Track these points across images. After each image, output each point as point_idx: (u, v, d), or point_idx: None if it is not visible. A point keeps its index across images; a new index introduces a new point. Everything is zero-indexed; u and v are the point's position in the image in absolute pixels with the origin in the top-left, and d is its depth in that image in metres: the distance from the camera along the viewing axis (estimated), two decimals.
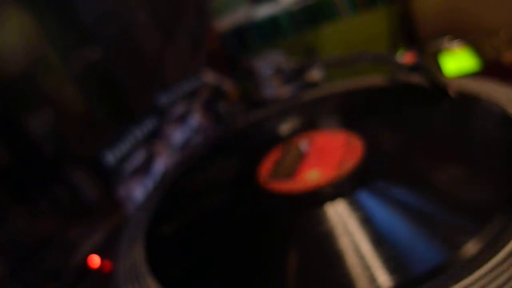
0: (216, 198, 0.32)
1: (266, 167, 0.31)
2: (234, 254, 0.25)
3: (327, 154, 0.30)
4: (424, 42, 0.47)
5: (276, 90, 0.47)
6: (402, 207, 0.23)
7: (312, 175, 0.28)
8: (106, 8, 0.45)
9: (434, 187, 0.24)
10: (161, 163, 0.44)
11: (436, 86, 0.33)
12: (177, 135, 0.47)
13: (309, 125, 0.37)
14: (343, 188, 0.26)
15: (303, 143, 0.32)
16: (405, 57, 0.36)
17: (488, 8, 0.47)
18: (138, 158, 0.42)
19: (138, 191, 0.41)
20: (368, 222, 0.23)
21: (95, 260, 0.32)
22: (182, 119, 0.48)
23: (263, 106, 0.46)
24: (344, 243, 0.22)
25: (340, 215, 0.24)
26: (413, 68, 0.36)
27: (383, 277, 0.20)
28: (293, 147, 0.33)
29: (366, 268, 0.20)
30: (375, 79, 0.40)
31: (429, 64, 0.40)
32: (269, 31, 0.54)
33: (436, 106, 0.33)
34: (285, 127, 0.40)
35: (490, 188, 0.23)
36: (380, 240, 0.21)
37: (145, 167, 0.43)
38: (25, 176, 0.36)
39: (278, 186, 0.29)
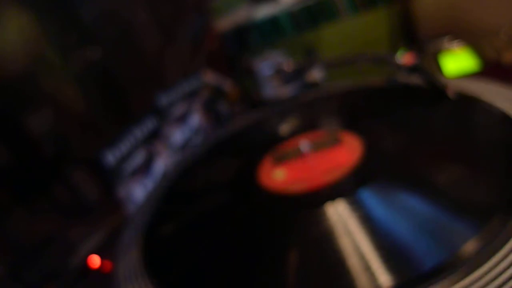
0: (216, 198, 0.32)
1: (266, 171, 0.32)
2: (233, 254, 0.25)
3: (325, 158, 0.30)
4: (424, 42, 0.47)
5: (276, 90, 0.47)
6: (402, 207, 0.23)
7: (278, 174, 0.30)
8: (106, 8, 0.45)
9: (433, 187, 0.24)
10: (161, 163, 0.44)
11: (435, 87, 0.33)
12: (177, 135, 0.47)
13: (309, 125, 0.37)
14: (343, 188, 0.26)
15: (304, 144, 0.32)
16: (405, 58, 0.36)
17: (488, 8, 0.47)
18: (138, 158, 0.42)
19: (138, 191, 0.41)
20: (368, 222, 0.23)
21: (95, 260, 0.32)
22: (182, 119, 0.48)
23: (263, 106, 0.46)
24: (344, 243, 0.22)
25: (340, 215, 0.24)
26: (413, 69, 0.36)
27: (383, 277, 0.20)
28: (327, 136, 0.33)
29: (367, 268, 0.20)
30: (375, 79, 0.40)
31: (428, 65, 0.40)
32: (269, 31, 0.54)
33: (436, 106, 0.33)
34: (285, 127, 0.40)
35: (490, 188, 0.23)
36: (380, 240, 0.21)
37: (145, 167, 0.43)
38: (25, 176, 0.36)
39: (277, 186, 0.29)
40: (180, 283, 0.25)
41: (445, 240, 0.20)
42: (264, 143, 0.35)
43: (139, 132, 0.43)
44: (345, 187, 0.26)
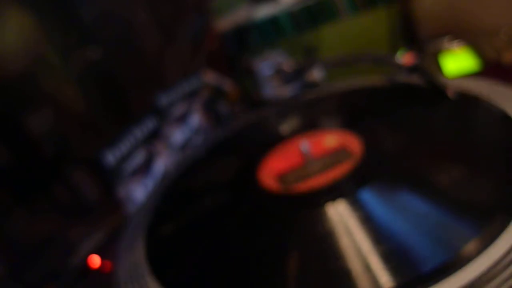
0: (216, 198, 0.32)
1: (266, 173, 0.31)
2: (234, 254, 0.25)
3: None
4: (424, 42, 0.47)
5: (276, 90, 0.47)
6: (402, 207, 0.23)
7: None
8: (106, 8, 0.45)
9: (434, 187, 0.24)
10: (161, 163, 0.44)
11: (435, 88, 0.33)
12: (177, 135, 0.47)
13: (309, 125, 0.37)
14: (343, 188, 0.26)
15: (304, 144, 0.32)
16: (405, 58, 0.36)
17: (488, 8, 0.47)
18: (138, 158, 0.42)
19: (138, 191, 0.41)
20: (368, 222, 0.23)
21: (95, 260, 0.32)
22: (182, 119, 0.48)
23: (263, 106, 0.46)
24: (345, 243, 0.22)
25: (340, 215, 0.24)
26: (413, 69, 0.36)
27: (384, 277, 0.20)
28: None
29: (367, 268, 0.20)
30: (375, 79, 0.40)
31: (428, 65, 0.40)
32: (269, 31, 0.54)
33: (436, 106, 0.33)
34: (285, 127, 0.40)
35: (490, 188, 0.23)
36: (381, 240, 0.21)
37: (145, 167, 0.43)
38: (25, 176, 0.36)
39: (278, 186, 0.29)
40: (180, 283, 0.25)
41: (446, 241, 0.20)
42: (264, 143, 0.35)
43: (139, 132, 0.43)
44: (345, 187, 0.26)
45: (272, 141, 0.35)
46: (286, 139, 0.35)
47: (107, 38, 0.45)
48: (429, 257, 0.20)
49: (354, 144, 0.30)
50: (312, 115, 0.40)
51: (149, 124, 0.44)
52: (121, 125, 0.42)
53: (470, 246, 0.19)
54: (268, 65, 0.48)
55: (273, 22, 0.54)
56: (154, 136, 0.44)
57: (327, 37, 0.54)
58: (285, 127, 0.40)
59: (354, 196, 0.25)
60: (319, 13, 0.53)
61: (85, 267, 0.32)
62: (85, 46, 0.42)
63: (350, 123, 0.34)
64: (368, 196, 0.24)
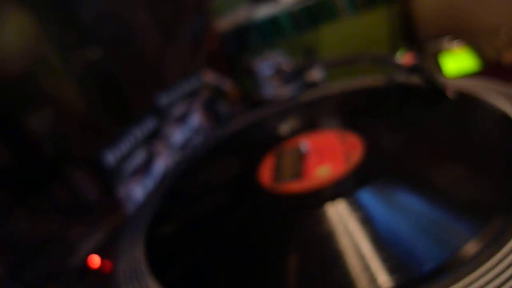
0: (216, 198, 0.32)
1: (265, 173, 0.31)
2: (234, 254, 0.25)
3: (328, 154, 0.30)
4: (424, 42, 0.48)
5: (276, 90, 0.47)
6: (402, 207, 0.23)
7: (323, 171, 0.28)
8: (106, 8, 0.45)
9: (433, 187, 0.24)
10: (161, 163, 0.44)
11: (435, 88, 0.33)
12: (177, 135, 0.47)
13: (309, 125, 0.37)
14: (343, 188, 0.26)
15: (303, 144, 0.32)
16: (405, 58, 0.36)
17: (488, 8, 0.47)
18: (138, 158, 0.42)
19: (138, 191, 0.41)
20: (368, 222, 0.23)
21: (95, 260, 0.32)
22: (182, 119, 0.48)
23: (263, 106, 0.46)
24: (344, 243, 0.22)
25: (340, 215, 0.24)
26: (413, 69, 0.36)
27: (383, 277, 0.20)
28: (286, 151, 0.32)
29: (366, 268, 0.20)
30: (375, 79, 0.40)
31: (428, 65, 0.40)
32: (269, 31, 0.54)
33: (436, 106, 0.33)
34: (285, 127, 0.40)
35: (490, 188, 0.23)
36: (380, 240, 0.21)
37: (145, 167, 0.43)
38: (25, 176, 0.36)
39: (278, 187, 0.29)
40: (180, 283, 0.25)
41: (445, 240, 0.20)
42: (264, 143, 0.35)
43: (139, 132, 0.43)
44: (345, 187, 0.26)
45: (272, 141, 0.35)
46: (286, 139, 0.35)
47: (107, 38, 0.45)
48: (429, 257, 0.20)
49: (354, 144, 0.30)
50: (312, 115, 0.40)
51: (149, 124, 0.44)
52: (121, 125, 0.42)
53: (470, 246, 0.19)
54: (268, 65, 0.48)
55: (273, 22, 0.54)
56: (154, 136, 0.44)
57: (327, 37, 0.54)
58: (285, 127, 0.40)
59: (353, 196, 0.25)
60: (319, 13, 0.53)
61: (85, 267, 0.32)
62: (85, 46, 0.42)
63: (350, 123, 0.34)
64: (367, 196, 0.24)
